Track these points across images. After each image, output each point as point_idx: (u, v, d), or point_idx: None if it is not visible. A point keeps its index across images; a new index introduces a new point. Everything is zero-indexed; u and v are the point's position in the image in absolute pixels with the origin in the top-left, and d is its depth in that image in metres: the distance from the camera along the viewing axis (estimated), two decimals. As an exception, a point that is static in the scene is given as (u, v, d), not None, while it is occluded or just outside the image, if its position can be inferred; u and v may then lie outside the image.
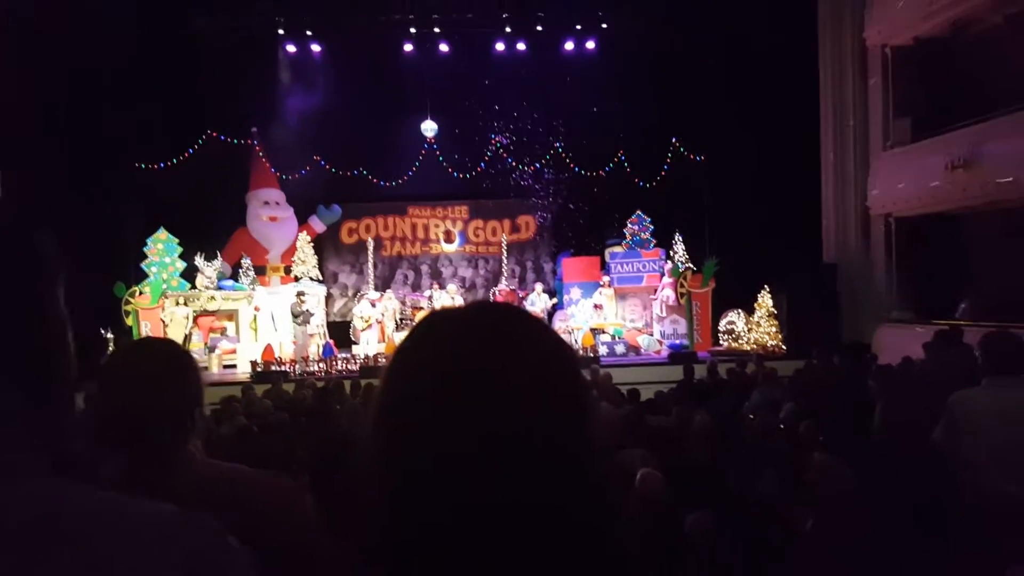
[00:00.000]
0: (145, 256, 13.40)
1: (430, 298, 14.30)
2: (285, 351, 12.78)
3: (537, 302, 13.91)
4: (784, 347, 12.76)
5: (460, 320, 0.70)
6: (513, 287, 15.17)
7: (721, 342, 13.74)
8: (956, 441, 3.15)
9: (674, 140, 15.42)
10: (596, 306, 13.90)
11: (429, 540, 0.62)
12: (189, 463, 1.45)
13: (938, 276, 12.10)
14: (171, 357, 1.49)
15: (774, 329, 13.07)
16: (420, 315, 13.48)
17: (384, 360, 12.29)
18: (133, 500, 0.68)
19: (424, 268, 16.76)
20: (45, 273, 0.72)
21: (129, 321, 13.03)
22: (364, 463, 0.67)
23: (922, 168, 11.80)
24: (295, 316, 12.76)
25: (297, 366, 12.08)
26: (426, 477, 0.62)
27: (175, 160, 14.41)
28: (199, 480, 1.40)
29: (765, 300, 13.23)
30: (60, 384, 0.72)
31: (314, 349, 13.18)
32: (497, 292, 14.55)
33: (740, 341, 13.43)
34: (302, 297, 12.86)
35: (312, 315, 13.00)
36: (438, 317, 0.72)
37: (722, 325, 13.83)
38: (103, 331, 12.42)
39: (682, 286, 13.81)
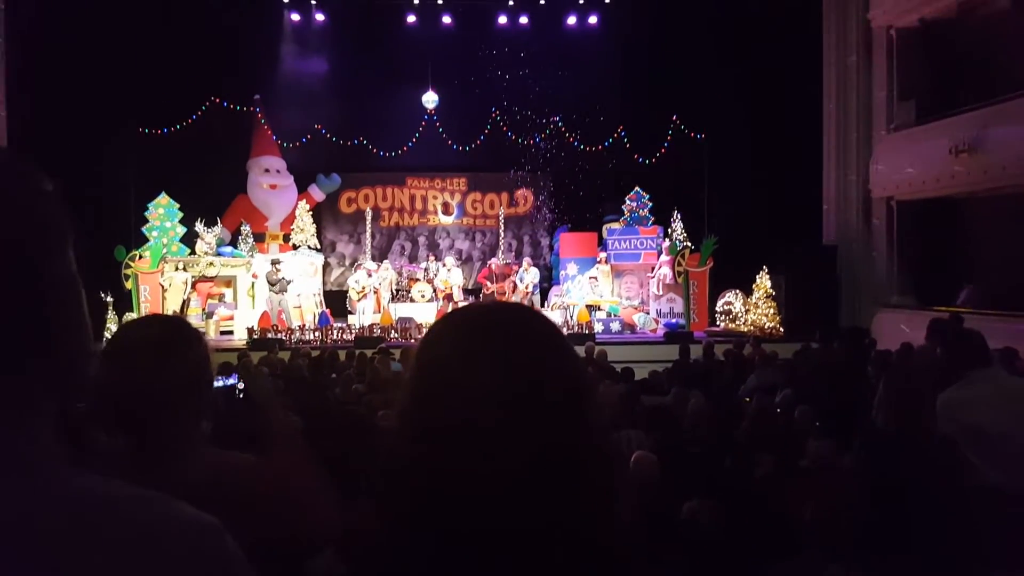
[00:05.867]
0: (146, 220, 13.37)
1: (426, 270, 14.28)
2: (282, 319, 12.79)
3: (526, 277, 13.84)
4: (782, 329, 12.76)
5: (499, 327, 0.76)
6: (509, 260, 15.11)
7: (718, 323, 13.75)
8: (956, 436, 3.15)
9: (674, 117, 15.27)
10: (591, 278, 13.85)
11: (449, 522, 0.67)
12: (199, 450, 1.41)
13: (940, 262, 12.07)
14: (175, 332, 1.45)
15: (772, 311, 13.04)
16: (416, 287, 13.64)
17: (382, 331, 12.30)
18: (147, 496, 0.64)
19: (421, 240, 16.68)
20: (50, 230, 0.65)
21: (128, 285, 13.01)
22: (391, 449, 0.73)
23: (926, 151, 11.72)
24: (271, 284, 12.74)
25: (293, 335, 12.09)
26: (454, 477, 0.67)
27: (178, 126, 14.33)
28: (207, 472, 1.35)
29: (764, 281, 13.19)
30: (69, 353, 0.66)
31: (310, 318, 13.20)
32: (492, 265, 14.45)
33: (737, 322, 13.43)
34: (277, 266, 12.84)
35: (290, 282, 12.95)
36: (467, 322, 0.78)
37: (719, 306, 13.81)
38: (102, 295, 12.44)
39: (679, 264, 13.76)
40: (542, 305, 14.11)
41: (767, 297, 13.14)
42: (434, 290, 13.75)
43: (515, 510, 0.66)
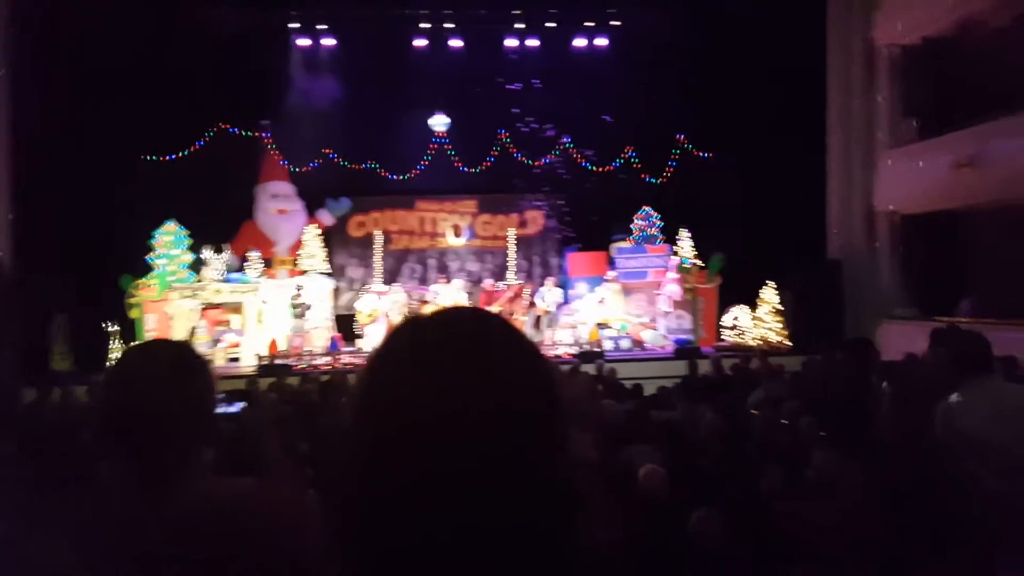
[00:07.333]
0: (152, 249, 13.24)
1: (436, 292, 14.30)
2: (295, 344, 12.81)
3: (548, 296, 13.91)
4: (789, 343, 12.82)
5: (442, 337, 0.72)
6: (520, 280, 15.17)
7: (725, 338, 13.79)
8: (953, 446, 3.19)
9: (681, 137, 15.42)
10: (600, 301, 13.93)
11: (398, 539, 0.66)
12: (199, 477, 1.40)
13: (943, 274, 12.13)
14: (180, 358, 1.43)
15: (779, 325, 13.13)
16: (426, 310, 13.66)
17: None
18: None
19: (431, 262, 16.73)
20: None
21: (133, 314, 12.77)
22: (341, 463, 0.69)
23: (928, 166, 11.83)
24: (293, 308, 12.75)
25: (302, 360, 12.10)
26: (403, 488, 0.65)
27: (184, 152, 14.32)
28: (204, 498, 1.35)
29: (770, 296, 13.28)
30: None
31: (320, 343, 13.20)
32: (486, 286, 14.43)
33: (744, 337, 13.48)
34: (300, 290, 12.86)
35: (309, 307, 12.96)
36: (414, 332, 0.74)
37: (726, 321, 13.87)
38: (104, 325, 12.17)
39: (687, 282, 13.85)
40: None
41: (773, 312, 13.21)
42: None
43: (461, 519, 0.64)
